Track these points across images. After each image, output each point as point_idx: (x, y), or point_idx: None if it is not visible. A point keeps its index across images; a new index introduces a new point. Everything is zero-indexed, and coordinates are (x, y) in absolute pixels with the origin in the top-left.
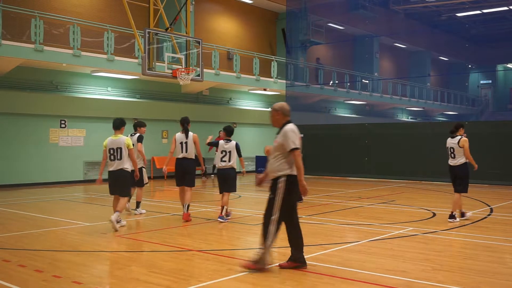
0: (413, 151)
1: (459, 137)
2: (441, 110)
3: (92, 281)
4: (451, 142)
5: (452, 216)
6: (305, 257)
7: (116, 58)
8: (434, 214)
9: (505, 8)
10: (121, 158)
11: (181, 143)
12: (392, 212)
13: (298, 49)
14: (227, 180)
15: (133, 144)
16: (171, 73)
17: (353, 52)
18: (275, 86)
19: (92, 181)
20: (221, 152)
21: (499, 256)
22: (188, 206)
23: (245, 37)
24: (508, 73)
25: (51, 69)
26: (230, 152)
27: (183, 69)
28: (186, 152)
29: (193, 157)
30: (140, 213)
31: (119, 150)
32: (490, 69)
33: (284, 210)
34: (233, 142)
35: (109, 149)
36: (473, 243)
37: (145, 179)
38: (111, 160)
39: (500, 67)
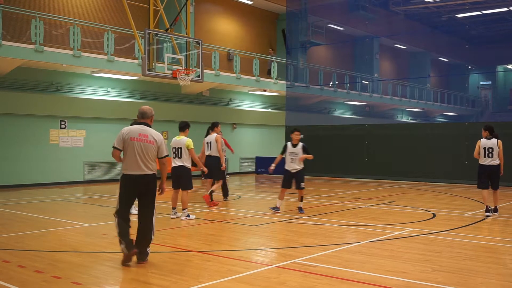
0: (413, 152)
1: (495, 139)
2: (441, 111)
3: (91, 282)
4: (490, 142)
5: (495, 210)
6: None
7: (116, 58)
8: (434, 215)
9: (505, 9)
10: (181, 157)
11: (208, 143)
12: (392, 213)
13: (298, 50)
14: (298, 179)
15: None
16: (171, 74)
17: (353, 53)
18: (275, 87)
19: (92, 181)
20: (290, 154)
21: (499, 257)
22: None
23: (245, 38)
24: (508, 74)
25: (51, 69)
26: (297, 154)
27: (183, 70)
28: (210, 150)
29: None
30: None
31: (180, 149)
32: (490, 70)
33: (124, 206)
34: (301, 144)
35: (172, 148)
36: (473, 244)
37: None
38: (173, 157)
39: (500, 68)
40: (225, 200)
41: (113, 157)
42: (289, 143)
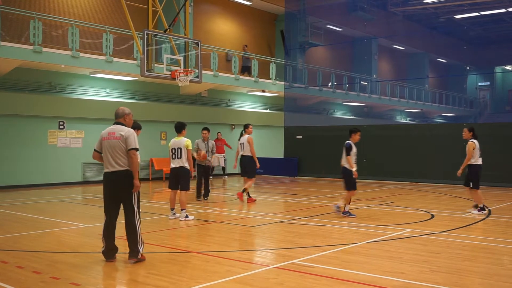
0: (412, 153)
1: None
2: (439, 112)
3: (90, 282)
4: (477, 143)
5: (483, 208)
6: (302, 259)
7: (115, 59)
8: (433, 216)
9: (503, 10)
10: (180, 157)
11: (241, 144)
12: (390, 213)
13: (296, 51)
14: None
15: None
16: (169, 74)
17: (351, 54)
18: (274, 88)
19: (91, 182)
20: (355, 154)
21: (498, 258)
22: (245, 189)
23: (244, 39)
24: (506, 75)
25: (49, 70)
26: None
27: (181, 71)
28: (243, 150)
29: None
30: None
31: (179, 150)
32: (488, 71)
33: (106, 204)
34: None
35: (172, 149)
36: (472, 245)
37: None
38: (172, 158)
39: (498, 69)
40: (205, 200)
41: (93, 159)
42: (352, 143)
